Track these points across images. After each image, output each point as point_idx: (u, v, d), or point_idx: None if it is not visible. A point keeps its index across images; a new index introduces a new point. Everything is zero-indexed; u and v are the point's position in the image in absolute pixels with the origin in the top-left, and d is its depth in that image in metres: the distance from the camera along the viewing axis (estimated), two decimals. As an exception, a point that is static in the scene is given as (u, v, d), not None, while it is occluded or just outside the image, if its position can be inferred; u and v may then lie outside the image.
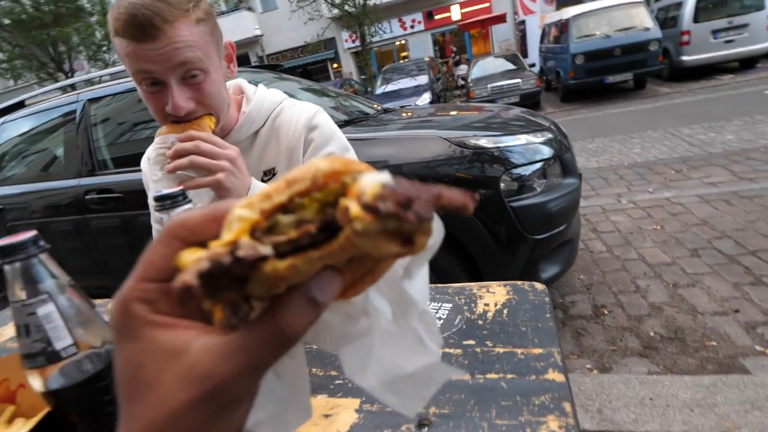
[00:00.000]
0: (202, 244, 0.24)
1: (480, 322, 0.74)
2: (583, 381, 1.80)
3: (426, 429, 0.55)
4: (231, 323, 0.23)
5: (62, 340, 0.47)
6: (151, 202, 1.11)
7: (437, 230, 0.27)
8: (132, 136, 2.49)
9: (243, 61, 18.23)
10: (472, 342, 0.69)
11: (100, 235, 2.45)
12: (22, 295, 0.46)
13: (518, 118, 2.56)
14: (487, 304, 0.78)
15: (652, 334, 2.04)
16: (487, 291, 0.83)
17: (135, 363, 0.24)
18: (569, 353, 2.02)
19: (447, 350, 0.68)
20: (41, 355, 0.46)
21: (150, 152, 1.09)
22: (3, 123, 2.88)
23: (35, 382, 0.47)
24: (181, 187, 0.61)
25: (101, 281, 2.66)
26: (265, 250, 0.22)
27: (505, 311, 0.75)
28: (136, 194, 2.08)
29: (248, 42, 18.69)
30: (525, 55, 14.30)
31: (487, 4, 16.39)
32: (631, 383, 1.75)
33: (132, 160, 2.27)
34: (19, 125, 2.81)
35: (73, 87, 2.83)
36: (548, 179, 2.10)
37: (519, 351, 0.65)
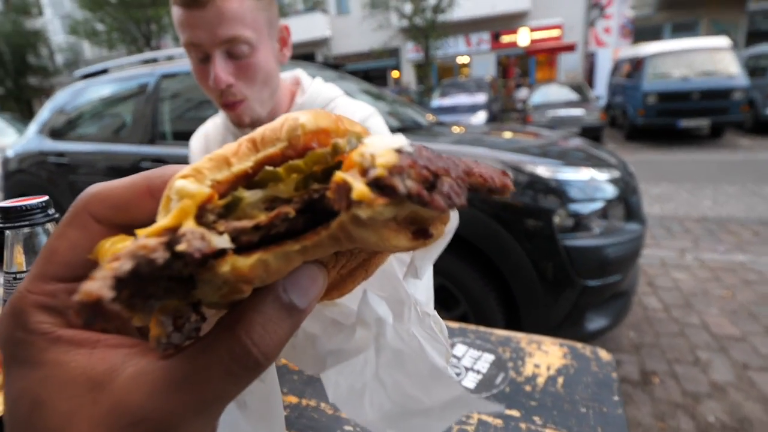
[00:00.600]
0: (132, 227, 0.17)
1: (527, 387, 0.60)
2: (622, 458, 1.58)
3: None
4: (172, 341, 0.17)
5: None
6: None
7: (453, 215, 0.23)
8: (194, 114, 2.58)
9: (309, 59, 18.94)
10: (516, 413, 0.55)
11: None
12: (18, 266, 0.41)
13: (579, 149, 2.37)
14: (537, 366, 0.64)
15: (711, 419, 1.77)
16: (539, 348, 0.68)
17: (32, 400, 0.16)
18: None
19: (483, 418, 0.54)
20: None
21: (201, 131, 1.09)
22: (86, 86, 3.13)
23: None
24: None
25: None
26: (221, 242, 0.16)
27: (560, 380, 0.61)
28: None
29: (317, 42, 19.45)
30: (591, 87, 13.84)
31: (558, 32, 16.08)
32: (679, 472, 1.51)
33: (187, 136, 2.34)
34: (99, 89, 3.05)
35: (154, 61, 3.01)
36: (609, 221, 1.91)
37: (577, 440, 0.51)
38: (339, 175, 0.15)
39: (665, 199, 4.76)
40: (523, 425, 0.53)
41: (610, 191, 1.93)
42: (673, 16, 15.31)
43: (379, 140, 0.17)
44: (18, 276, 0.41)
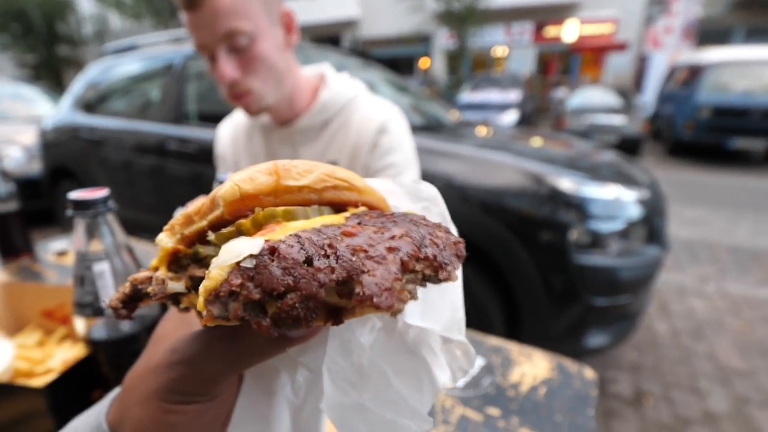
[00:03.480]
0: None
1: (511, 392, 0.70)
2: (605, 472, 1.68)
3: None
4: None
5: (109, 298, 0.51)
6: (216, 162, 1.19)
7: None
8: (219, 95, 2.66)
9: (334, 42, 18.59)
10: (496, 412, 0.66)
11: (172, 182, 2.71)
12: (83, 247, 0.51)
13: (610, 165, 2.39)
14: (524, 374, 0.75)
15: (700, 446, 1.85)
16: (529, 359, 0.79)
17: (166, 317, 0.31)
18: (597, 436, 1.89)
19: (467, 413, 0.66)
20: (89, 306, 0.51)
21: (231, 120, 1.16)
22: (116, 61, 3.30)
23: (80, 327, 0.53)
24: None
25: (167, 222, 2.99)
26: (177, 287, 0.21)
27: (543, 390, 0.72)
28: (208, 151, 2.24)
29: (344, 23, 18.97)
30: (638, 93, 13.33)
31: (611, 27, 15.40)
32: (659, 493, 1.60)
33: (213, 118, 2.46)
34: (129, 66, 3.20)
35: (183, 39, 3.11)
36: (629, 242, 1.95)
37: (545, 441, 0.61)
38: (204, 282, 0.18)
39: (699, 223, 4.70)
40: (501, 423, 0.64)
41: (635, 212, 1.97)
42: (749, 17, 13.66)
43: (229, 248, 0.17)
44: (85, 256, 0.51)
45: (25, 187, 4.24)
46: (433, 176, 1.98)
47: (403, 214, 0.24)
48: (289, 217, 0.22)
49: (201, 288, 0.17)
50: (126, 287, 0.22)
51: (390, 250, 0.18)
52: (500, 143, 2.52)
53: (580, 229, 1.84)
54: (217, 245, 0.21)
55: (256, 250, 0.17)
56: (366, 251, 0.17)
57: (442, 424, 0.63)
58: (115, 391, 0.29)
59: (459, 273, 0.27)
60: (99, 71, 3.39)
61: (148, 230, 2.86)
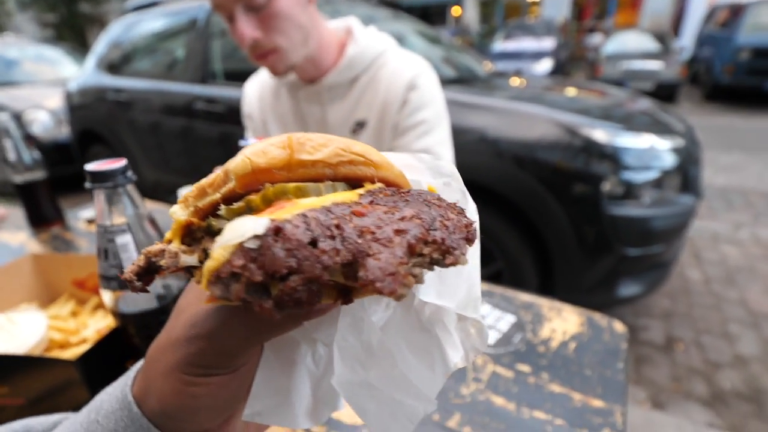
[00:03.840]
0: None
1: (542, 348, 0.66)
2: (632, 411, 1.65)
3: (455, 443, 0.52)
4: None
5: (135, 270, 0.50)
6: (244, 121, 1.14)
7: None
8: (245, 53, 2.54)
9: None
10: (527, 368, 0.63)
11: (201, 143, 2.57)
12: (105, 220, 0.48)
13: (645, 113, 2.18)
14: (554, 330, 0.70)
15: (726, 386, 1.77)
16: (559, 315, 0.74)
17: (188, 288, 0.28)
18: (623, 376, 1.85)
19: (497, 370, 0.62)
20: (114, 279, 0.49)
21: (257, 78, 1.08)
22: (138, 19, 3.04)
23: (107, 300, 0.51)
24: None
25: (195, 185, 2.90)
26: (190, 260, 0.20)
27: (573, 345, 0.67)
28: (236, 111, 2.10)
29: None
30: (676, 36, 11.97)
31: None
32: (685, 429, 1.56)
33: (240, 76, 2.27)
34: (151, 23, 2.95)
35: None
36: (662, 191, 1.80)
37: (577, 396, 0.57)
38: (208, 260, 0.16)
39: (734, 170, 4.30)
40: (531, 379, 0.61)
41: (669, 161, 1.80)
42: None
43: (233, 227, 0.16)
44: (107, 229, 0.47)
45: (55, 151, 3.97)
46: (465, 130, 1.86)
47: (418, 192, 0.22)
48: (301, 193, 0.20)
49: (204, 268, 0.16)
50: (140, 260, 0.21)
51: (398, 232, 0.16)
52: (533, 95, 2.33)
53: (613, 180, 1.71)
54: (228, 219, 0.20)
55: (260, 230, 0.15)
56: (373, 233, 0.16)
57: (473, 381, 0.60)
58: (139, 364, 0.28)
59: (475, 251, 0.25)
60: (121, 30, 3.11)
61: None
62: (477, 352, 0.25)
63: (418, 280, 0.16)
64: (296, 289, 0.15)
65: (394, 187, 0.23)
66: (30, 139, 1.10)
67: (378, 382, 0.23)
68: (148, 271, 0.21)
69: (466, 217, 0.20)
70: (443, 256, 0.17)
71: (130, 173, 0.48)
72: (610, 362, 0.63)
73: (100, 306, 0.68)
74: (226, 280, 0.15)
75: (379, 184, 0.23)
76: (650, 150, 1.79)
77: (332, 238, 0.15)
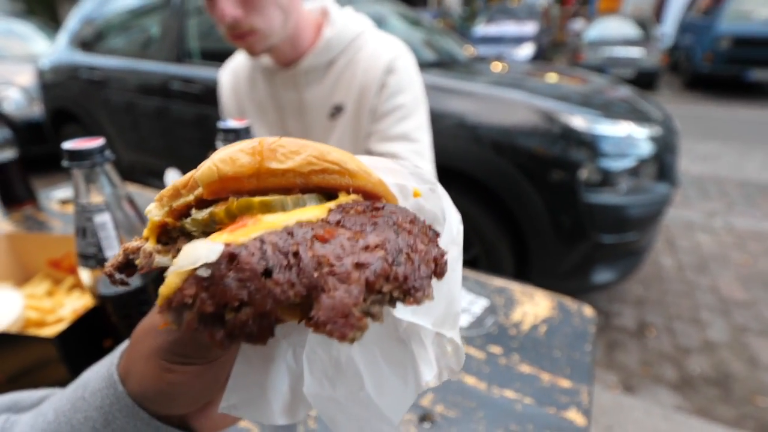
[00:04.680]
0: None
1: (513, 331, 0.70)
2: (602, 395, 1.75)
3: (428, 425, 0.54)
4: None
5: (112, 249, 0.50)
6: (221, 110, 1.13)
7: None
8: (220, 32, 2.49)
9: None
10: (498, 350, 0.66)
11: (177, 124, 2.56)
12: (83, 199, 0.49)
13: (624, 101, 2.25)
14: (525, 313, 0.73)
15: (696, 370, 1.89)
16: (531, 299, 0.77)
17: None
18: (595, 362, 1.94)
19: (470, 351, 0.65)
20: (92, 258, 0.50)
21: (230, 66, 1.08)
22: None
23: (85, 279, 0.52)
24: (246, 123, 0.59)
25: (174, 165, 2.86)
26: (164, 261, 0.20)
27: (543, 328, 0.70)
28: (213, 91, 2.10)
29: None
30: (658, 23, 12.29)
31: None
32: (652, 413, 1.67)
33: (215, 56, 2.29)
34: None
35: None
36: (638, 179, 1.88)
37: (546, 377, 0.61)
38: (167, 277, 0.16)
39: (710, 159, 4.50)
40: (503, 360, 0.64)
41: (646, 149, 1.88)
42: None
43: (188, 251, 0.16)
44: (85, 207, 0.48)
45: (27, 130, 3.96)
46: (444, 115, 1.88)
47: (391, 211, 0.21)
48: (266, 209, 0.20)
49: (159, 291, 0.16)
50: (119, 255, 0.22)
51: (357, 266, 0.16)
52: (514, 80, 2.37)
53: (590, 167, 1.77)
54: (194, 229, 0.21)
55: (213, 258, 0.15)
56: (332, 265, 0.16)
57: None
58: (126, 343, 0.29)
59: (457, 264, 0.25)
60: (94, 5, 3.09)
61: (155, 175, 2.70)
62: (451, 372, 0.25)
63: (377, 318, 0.15)
64: (247, 323, 0.14)
65: (371, 198, 0.23)
66: (0, 117, 1.06)
67: (345, 400, 0.23)
68: (128, 265, 0.22)
69: (437, 246, 0.20)
70: (404, 296, 0.16)
71: (107, 152, 0.49)
72: (578, 345, 0.67)
73: (76, 286, 0.69)
74: (178, 308, 0.15)
75: (353, 196, 0.22)
76: (627, 138, 1.86)
77: (288, 268, 0.15)
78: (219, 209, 0.20)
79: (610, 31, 8.26)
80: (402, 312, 0.22)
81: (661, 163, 1.96)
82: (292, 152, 0.21)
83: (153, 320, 0.26)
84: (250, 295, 0.14)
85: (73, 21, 3.21)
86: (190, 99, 2.43)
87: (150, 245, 0.21)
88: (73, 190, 0.49)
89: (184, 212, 0.21)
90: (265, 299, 0.14)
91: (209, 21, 2.49)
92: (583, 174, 1.76)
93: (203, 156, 0.25)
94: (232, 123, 0.58)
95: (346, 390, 0.23)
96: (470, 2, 14.52)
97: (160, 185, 2.35)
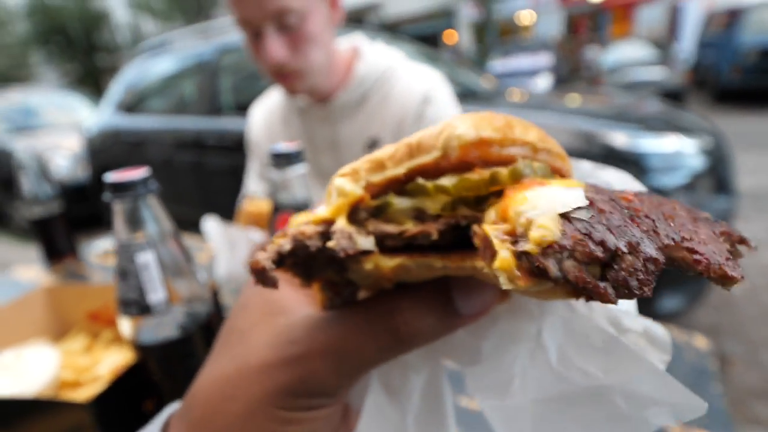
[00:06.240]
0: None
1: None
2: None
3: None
4: (334, 304, 0.21)
5: (156, 293, 0.43)
6: (249, 147, 1.12)
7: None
8: (253, 84, 2.57)
9: (360, 24, 18.46)
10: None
11: (212, 174, 2.64)
12: (124, 236, 0.44)
13: (660, 114, 2.14)
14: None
15: (797, 408, 1.63)
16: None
17: (241, 304, 0.23)
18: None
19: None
20: (134, 304, 0.43)
21: (264, 103, 1.09)
22: (151, 61, 3.23)
23: (125, 329, 0.45)
24: (297, 146, 0.54)
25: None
26: (366, 243, 0.17)
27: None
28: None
29: (368, 6, 18.76)
30: (675, 41, 12.25)
31: (640, -21, 14.22)
32: (756, 461, 1.42)
33: (248, 107, 2.37)
34: (163, 64, 3.14)
35: (212, 32, 3.02)
36: (696, 195, 1.73)
37: (676, 430, 0.49)
38: (486, 230, 0.14)
39: (759, 171, 4.24)
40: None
41: (699, 162, 1.75)
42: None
43: (547, 195, 0.14)
44: (127, 246, 0.43)
45: (74, 192, 4.14)
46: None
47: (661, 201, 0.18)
48: (516, 177, 0.18)
49: (529, 238, 0.13)
50: (283, 243, 0.18)
51: (695, 221, 0.15)
52: (540, 104, 2.33)
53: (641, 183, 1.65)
54: (419, 198, 0.18)
55: (582, 203, 0.14)
56: (683, 225, 0.15)
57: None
58: (169, 410, 0.22)
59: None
60: (135, 73, 3.31)
61: (191, 225, 2.78)
62: (663, 360, 0.21)
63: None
64: (636, 270, 0.13)
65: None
66: (45, 175, 1.10)
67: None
68: (290, 255, 0.18)
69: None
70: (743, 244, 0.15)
71: (152, 183, 0.44)
72: (703, 386, 0.55)
73: (115, 340, 0.65)
74: (558, 256, 0.13)
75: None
76: (676, 151, 1.74)
77: (647, 217, 0.14)
78: (503, 171, 0.17)
79: (627, 54, 8.26)
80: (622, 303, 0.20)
81: (718, 176, 1.82)
82: (525, 127, 0.19)
83: (248, 362, 0.20)
84: (632, 241, 0.13)
85: (116, 89, 3.46)
86: (224, 150, 2.51)
87: (344, 225, 0.18)
88: (114, 228, 0.44)
89: (384, 189, 0.18)
90: (647, 243, 0.13)
91: (241, 77, 2.63)
92: (635, 192, 1.64)
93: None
94: (283, 147, 0.53)
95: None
96: (482, 40, 15.02)
97: (196, 234, 2.37)
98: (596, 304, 0.20)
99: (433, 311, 0.18)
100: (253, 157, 1.15)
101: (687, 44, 11.65)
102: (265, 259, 0.17)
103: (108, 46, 20.07)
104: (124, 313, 0.44)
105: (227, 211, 1.45)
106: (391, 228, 0.17)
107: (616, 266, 0.12)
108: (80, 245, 1.21)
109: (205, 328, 0.48)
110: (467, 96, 2.38)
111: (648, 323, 0.21)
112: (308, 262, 0.19)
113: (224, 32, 2.75)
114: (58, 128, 5.05)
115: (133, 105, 3.30)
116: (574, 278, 0.12)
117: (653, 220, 0.14)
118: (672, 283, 1.72)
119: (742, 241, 0.15)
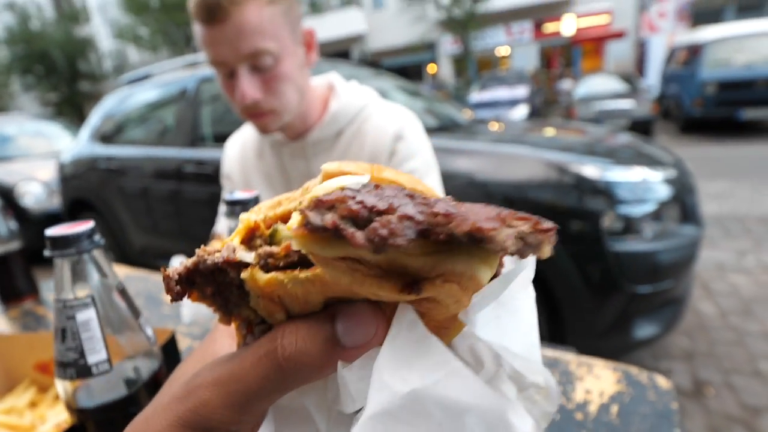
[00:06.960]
0: None
1: (579, 415, 0.57)
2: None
3: None
4: (247, 342, 0.21)
5: (96, 354, 0.41)
6: (222, 181, 1.10)
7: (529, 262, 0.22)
8: (233, 116, 2.59)
9: (344, 56, 18.94)
10: (566, 443, 0.53)
11: (191, 204, 2.59)
12: (65, 293, 0.41)
13: (629, 147, 2.23)
14: (588, 392, 0.61)
15: (773, 434, 1.63)
16: (590, 371, 0.65)
17: (187, 356, 0.25)
18: None
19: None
20: (72, 366, 0.41)
21: (238, 137, 1.08)
22: (132, 91, 3.21)
23: (63, 393, 0.42)
24: (255, 193, 0.53)
25: (186, 247, 2.84)
26: (245, 256, 0.19)
27: (614, 408, 0.58)
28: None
29: (352, 38, 19.31)
30: (641, 76, 12.92)
31: (607, 18, 15.12)
32: (736, 492, 1.40)
33: (227, 138, 2.36)
34: (144, 94, 3.10)
35: (194, 64, 3.03)
36: (663, 223, 1.78)
37: (634, 478, 0.48)
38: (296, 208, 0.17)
39: (724, 197, 4.40)
40: (574, 456, 0.51)
41: (665, 192, 1.81)
42: (739, -5, 13.81)
43: (341, 180, 0.17)
44: (67, 303, 0.40)
45: (45, 222, 3.95)
46: (454, 175, 1.86)
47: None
48: None
49: (305, 200, 0.16)
50: (192, 259, 0.20)
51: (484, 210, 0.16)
52: (516, 136, 2.40)
53: (610, 215, 1.69)
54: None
55: (365, 181, 0.17)
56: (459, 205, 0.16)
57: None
58: None
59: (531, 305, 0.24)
60: (115, 102, 3.26)
61: (166, 257, 2.72)
62: (547, 417, 0.21)
63: (521, 253, 0.14)
64: (389, 222, 0.14)
65: None
66: (6, 210, 1.05)
67: None
68: (195, 272, 0.20)
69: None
70: (536, 232, 0.15)
71: (97, 237, 0.42)
72: (664, 428, 0.54)
73: None
74: (322, 210, 0.15)
75: None
76: (643, 182, 1.79)
77: (425, 202, 0.15)
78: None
79: (597, 87, 8.65)
80: (484, 330, 0.20)
81: (683, 205, 1.88)
82: (397, 174, 0.21)
83: (161, 401, 0.21)
84: (394, 205, 0.14)
85: (94, 117, 3.40)
86: (203, 180, 2.48)
87: (236, 244, 0.20)
88: (55, 285, 0.42)
89: (279, 222, 0.21)
90: (410, 207, 0.14)
91: (222, 107, 2.62)
92: (605, 222, 1.67)
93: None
94: (239, 195, 0.52)
95: None
96: (462, 73, 15.58)
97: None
98: (504, 358, 0.20)
99: (314, 337, 0.18)
100: (224, 191, 1.14)
101: (653, 77, 12.29)
102: (173, 271, 0.20)
103: (93, 74, 19.86)
104: (61, 376, 0.41)
105: (204, 242, 1.41)
106: (272, 248, 0.19)
107: (376, 221, 0.14)
108: (45, 281, 1.14)
109: (151, 384, 0.46)
110: (449, 128, 2.44)
111: (547, 374, 0.20)
112: (223, 293, 0.20)
113: (206, 67, 2.77)
114: (33, 157, 4.94)
115: (111, 133, 3.24)
116: (330, 225, 0.14)
117: (436, 201, 0.15)
118: (645, 310, 1.73)
119: (538, 227, 0.15)
